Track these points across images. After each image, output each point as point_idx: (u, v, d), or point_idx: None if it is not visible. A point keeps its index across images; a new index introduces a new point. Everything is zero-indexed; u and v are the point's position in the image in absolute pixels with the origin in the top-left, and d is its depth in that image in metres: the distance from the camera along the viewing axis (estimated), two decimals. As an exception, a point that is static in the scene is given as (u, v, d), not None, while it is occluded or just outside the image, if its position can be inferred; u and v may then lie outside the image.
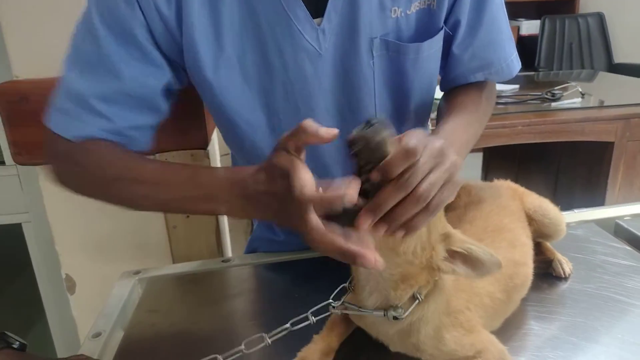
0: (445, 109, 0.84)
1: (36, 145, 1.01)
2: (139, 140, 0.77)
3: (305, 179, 0.51)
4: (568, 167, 2.35)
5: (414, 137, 0.51)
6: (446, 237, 0.58)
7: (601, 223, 1.04)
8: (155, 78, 0.75)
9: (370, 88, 0.79)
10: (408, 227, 0.53)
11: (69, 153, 0.73)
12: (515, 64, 0.87)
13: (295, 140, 0.54)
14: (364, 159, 0.51)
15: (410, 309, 0.59)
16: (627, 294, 0.79)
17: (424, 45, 0.78)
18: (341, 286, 0.66)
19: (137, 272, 0.97)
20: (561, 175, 2.41)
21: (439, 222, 0.58)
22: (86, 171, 0.73)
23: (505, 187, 0.86)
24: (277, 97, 0.78)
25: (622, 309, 0.75)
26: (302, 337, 0.68)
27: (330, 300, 0.64)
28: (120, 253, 1.11)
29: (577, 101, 2.09)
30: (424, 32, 0.79)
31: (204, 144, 1.00)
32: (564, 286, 0.83)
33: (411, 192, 0.50)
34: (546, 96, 2.13)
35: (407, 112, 0.86)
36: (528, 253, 0.76)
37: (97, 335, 0.79)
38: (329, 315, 0.65)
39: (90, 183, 0.74)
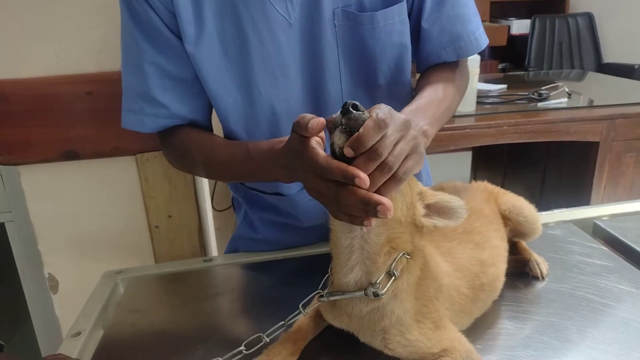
0: (419, 87, 0.86)
1: (17, 144, 1.01)
2: (202, 121, 0.88)
3: (314, 154, 0.58)
4: (554, 167, 2.37)
5: (382, 110, 0.55)
6: (421, 195, 0.63)
7: (580, 223, 1.06)
8: (184, 63, 0.81)
9: (334, 57, 0.84)
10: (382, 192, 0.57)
11: (164, 144, 0.89)
12: (482, 37, 0.90)
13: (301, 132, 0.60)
14: (341, 137, 0.56)
15: (388, 284, 0.61)
16: (600, 294, 0.80)
17: (377, 15, 0.82)
18: (326, 277, 0.68)
19: (119, 272, 0.97)
20: (548, 174, 2.43)
21: (415, 183, 0.63)
22: (178, 159, 0.89)
23: (481, 189, 0.86)
24: (255, 70, 0.81)
25: (594, 309, 0.77)
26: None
27: (319, 290, 0.67)
28: (104, 252, 1.11)
29: (563, 101, 2.10)
30: (385, 2, 0.83)
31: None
32: (539, 286, 0.84)
33: (380, 163, 0.55)
34: (533, 96, 2.15)
35: (376, 86, 0.88)
36: (499, 255, 0.77)
37: (77, 334, 0.80)
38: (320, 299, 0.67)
39: (184, 167, 0.91)
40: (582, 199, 2.08)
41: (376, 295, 0.61)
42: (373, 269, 0.62)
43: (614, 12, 3.80)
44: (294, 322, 0.70)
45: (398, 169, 0.57)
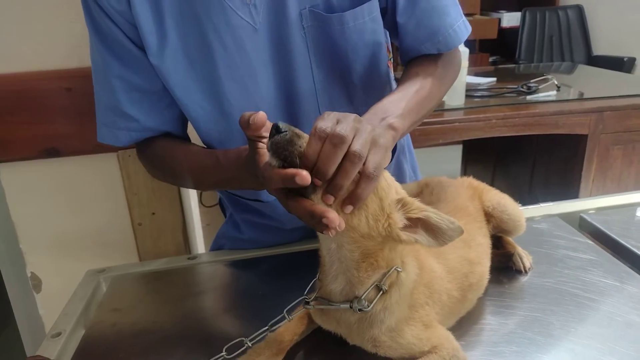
0: (400, 80, 0.84)
1: (-4, 142, 1.00)
2: (176, 132, 0.86)
3: (259, 160, 0.57)
4: (544, 160, 2.37)
5: (321, 119, 0.54)
6: (403, 204, 0.57)
7: (567, 217, 1.06)
8: (150, 75, 0.80)
9: (305, 59, 0.81)
10: (353, 198, 0.55)
11: (140, 156, 0.87)
12: (462, 29, 0.86)
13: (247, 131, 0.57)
14: (286, 159, 0.53)
15: (374, 301, 0.60)
16: (585, 288, 0.80)
17: (346, 15, 0.79)
18: (313, 280, 0.66)
19: (101, 271, 0.96)
20: (537, 167, 2.43)
21: (390, 190, 0.58)
22: (154, 170, 0.88)
23: (466, 185, 0.86)
24: (223, 79, 0.79)
25: (578, 303, 0.76)
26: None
27: (305, 297, 0.65)
28: (87, 251, 1.10)
29: (552, 94, 2.10)
30: (354, 1, 0.80)
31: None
32: (523, 280, 0.84)
33: (344, 158, 0.52)
34: (522, 89, 2.15)
35: (351, 86, 0.86)
36: (484, 252, 0.76)
37: (57, 334, 0.78)
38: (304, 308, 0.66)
39: (162, 178, 0.89)
40: (571, 192, 2.08)
41: (361, 310, 0.60)
42: (355, 281, 0.60)
43: (604, 5, 3.81)
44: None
45: (367, 163, 0.54)
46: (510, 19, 4.11)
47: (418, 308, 0.63)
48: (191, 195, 1.31)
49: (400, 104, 0.73)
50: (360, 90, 0.87)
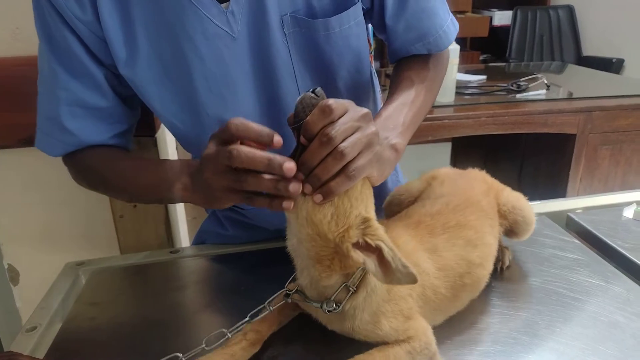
0: (392, 84, 0.83)
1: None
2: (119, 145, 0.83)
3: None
4: (532, 158, 2.38)
5: (335, 100, 0.54)
6: (364, 223, 0.56)
7: (554, 216, 1.05)
8: (101, 92, 0.77)
9: (288, 67, 0.78)
10: (326, 190, 0.55)
11: (68, 162, 0.83)
12: (451, 29, 0.85)
13: (224, 134, 0.58)
14: (298, 129, 0.56)
15: (343, 302, 0.61)
16: (570, 288, 0.79)
17: (331, 21, 0.76)
18: (295, 273, 0.66)
19: (80, 263, 0.94)
20: (525, 166, 2.44)
21: (361, 203, 0.57)
22: (84, 177, 0.83)
23: (480, 179, 0.83)
24: (200, 91, 0.75)
25: (564, 303, 0.76)
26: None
27: (286, 289, 0.66)
28: (67, 243, 1.07)
29: (542, 93, 2.10)
30: (338, 6, 0.77)
31: (150, 132, 0.97)
32: (509, 279, 0.83)
33: (332, 149, 0.54)
34: (512, 87, 2.14)
35: (336, 92, 0.84)
36: (489, 255, 0.73)
37: (33, 329, 0.76)
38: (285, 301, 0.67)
39: (89, 185, 0.84)
40: (559, 191, 2.09)
41: (330, 312, 0.61)
42: (316, 279, 0.61)
43: (595, 6, 3.83)
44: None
45: (348, 164, 0.55)
46: (501, 17, 4.12)
47: (399, 300, 0.63)
48: (175, 188, 1.28)
49: (399, 118, 0.72)
50: (345, 96, 0.84)
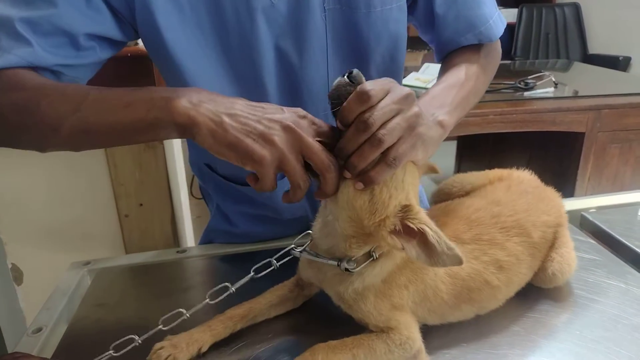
0: (441, 72, 0.81)
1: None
2: (71, 80, 0.70)
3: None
4: (539, 157, 2.35)
5: (374, 82, 0.53)
6: (404, 209, 0.56)
7: (568, 215, 1.03)
8: (93, 21, 0.69)
9: (322, 44, 0.77)
10: (366, 178, 0.54)
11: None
12: (501, 19, 0.84)
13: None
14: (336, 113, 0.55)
15: (362, 266, 0.60)
16: (588, 289, 0.77)
17: None
18: (305, 232, 0.68)
19: (86, 263, 0.92)
20: (532, 164, 2.40)
21: (401, 192, 0.56)
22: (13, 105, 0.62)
23: (553, 207, 0.76)
24: (232, 48, 0.75)
25: (583, 305, 0.74)
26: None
27: (293, 245, 0.66)
28: (72, 242, 1.06)
29: (549, 91, 2.08)
30: None
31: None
32: (525, 280, 0.81)
33: (370, 136, 0.52)
34: (519, 85, 2.12)
35: (367, 78, 0.82)
36: (514, 283, 0.69)
37: (38, 330, 0.75)
38: (293, 259, 0.68)
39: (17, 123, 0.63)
40: (567, 190, 2.07)
41: (347, 270, 0.61)
42: (341, 250, 0.61)
43: (601, 3, 3.80)
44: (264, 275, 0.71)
45: (388, 150, 0.54)
46: (507, 15, 4.08)
47: (394, 287, 0.62)
48: (181, 186, 1.27)
49: (447, 98, 0.69)
50: None
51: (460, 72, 0.76)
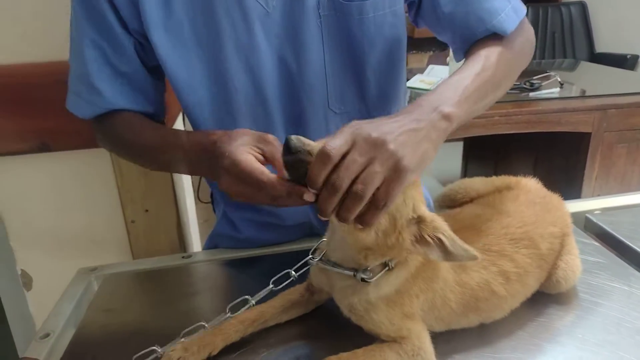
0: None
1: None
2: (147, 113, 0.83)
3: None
4: (546, 158, 2.34)
5: (334, 137, 0.52)
6: (419, 222, 0.58)
7: (572, 217, 1.03)
8: (127, 58, 0.78)
9: (319, 49, 0.78)
10: (362, 222, 0.55)
11: (96, 127, 0.84)
12: (512, 14, 0.78)
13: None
14: (296, 176, 0.55)
15: (378, 275, 0.61)
16: (591, 292, 0.77)
17: (366, 4, 0.76)
18: (320, 240, 0.68)
19: (93, 269, 0.93)
20: (539, 165, 2.41)
21: (405, 208, 0.57)
22: (106, 140, 0.85)
23: (560, 217, 0.76)
24: (229, 59, 0.76)
25: (586, 308, 0.74)
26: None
27: (310, 256, 0.67)
28: (79, 248, 1.07)
29: (555, 91, 2.07)
30: None
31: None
32: (529, 283, 0.81)
33: (348, 190, 0.52)
34: (525, 86, 2.12)
35: (366, 83, 0.83)
36: (521, 294, 0.70)
37: (46, 335, 0.76)
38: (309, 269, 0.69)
39: (114, 148, 0.86)
40: (574, 191, 2.06)
41: (364, 280, 0.61)
42: (356, 259, 0.61)
43: (607, 2, 3.77)
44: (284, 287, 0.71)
45: (375, 197, 0.53)
46: (512, 15, 4.07)
47: (405, 296, 0.62)
48: (187, 192, 1.28)
49: (458, 89, 0.65)
50: (373, 86, 0.84)
51: (477, 62, 0.71)
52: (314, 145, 0.54)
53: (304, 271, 0.71)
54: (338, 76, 0.81)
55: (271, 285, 0.68)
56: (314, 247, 0.67)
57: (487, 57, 0.72)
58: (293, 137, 0.53)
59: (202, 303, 0.83)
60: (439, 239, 0.56)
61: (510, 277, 0.66)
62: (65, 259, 1.07)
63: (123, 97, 0.79)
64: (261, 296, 0.66)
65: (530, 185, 0.79)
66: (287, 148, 0.53)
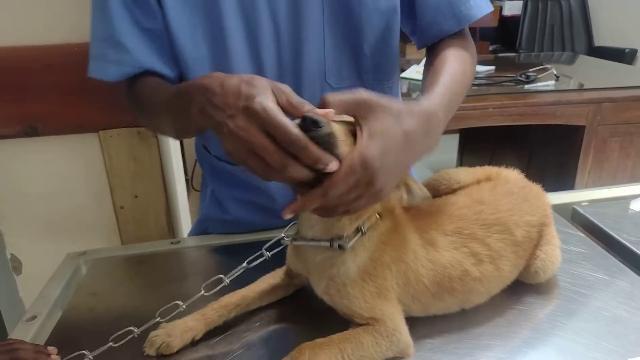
0: (429, 69, 0.81)
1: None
2: (170, 75, 0.81)
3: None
4: (540, 150, 2.35)
5: (362, 152, 0.52)
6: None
7: (559, 208, 1.03)
8: (152, 13, 0.77)
9: (319, 21, 0.79)
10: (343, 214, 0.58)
11: (128, 96, 0.83)
12: (481, 3, 0.84)
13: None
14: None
15: (354, 239, 0.63)
16: (574, 282, 0.78)
17: None
18: (292, 223, 0.69)
19: (82, 253, 0.94)
20: (534, 158, 2.41)
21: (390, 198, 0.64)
22: (135, 108, 0.82)
23: (540, 207, 0.76)
24: (229, 21, 0.76)
25: (567, 297, 0.75)
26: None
27: (283, 235, 0.68)
28: (69, 233, 1.08)
29: (550, 84, 2.07)
30: None
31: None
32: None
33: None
34: (520, 78, 2.11)
35: (361, 55, 0.84)
36: (496, 278, 0.70)
37: (32, 318, 0.77)
38: (284, 250, 0.70)
39: (142, 117, 0.83)
40: (567, 183, 2.06)
41: (341, 247, 0.62)
42: (335, 228, 0.63)
43: (607, -5, 3.76)
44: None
45: (358, 206, 0.57)
46: (511, 7, 4.05)
47: (378, 267, 0.64)
48: (177, 179, 1.28)
49: (439, 101, 0.68)
50: (370, 61, 0.85)
51: (450, 70, 0.75)
52: (334, 125, 0.53)
53: (279, 251, 0.71)
54: (336, 49, 0.82)
55: (245, 264, 0.68)
56: (286, 228, 0.68)
57: (460, 62, 0.78)
58: (312, 114, 0.51)
59: (188, 288, 0.84)
60: (406, 184, 0.64)
61: (482, 259, 0.68)
62: (55, 244, 1.07)
63: (149, 54, 0.79)
64: (235, 275, 0.67)
65: (510, 176, 0.79)
66: (314, 122, 0.51)
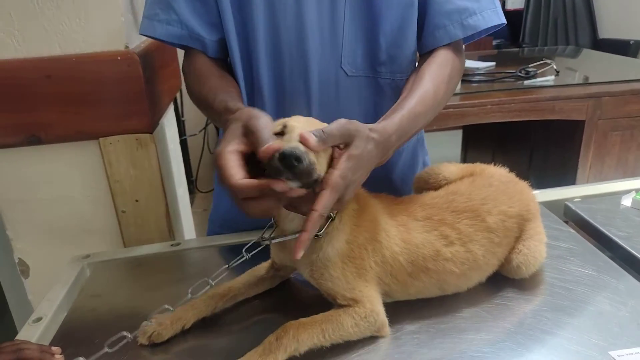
0: (405, 85, 0.84)
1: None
2: (214, 42, 0.88)
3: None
4: (541, 146, 2.35)
5: (338, 179, 0.59)
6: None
7: (553, 205, 1.05)
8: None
9: (341, 5, 0.83)
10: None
11: (184, 72, 0.90)
12: (494, 15, 0.86)
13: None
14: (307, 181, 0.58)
15: (326, 225, 0.67)
16: (561, 277, 0.80)
17: None
18: (269, 224, 0.72)
19: (86, 257, 0.97)
20: (535, 153, 2.41)
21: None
22: (189, 85, 0.89)
23: (523, 202, 0.78)
24: (255, 10, 0.82)
25: (553, 292, 0.76)
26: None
27: (262, 236, 0.70)
28: (73, 237, 1.11)
29: (550, 79, 2.07)
30: None
31: (148, 128, 1.00)
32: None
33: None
34: (520, 74, 2.12)
35: (376, 46, 0.86)
36: (469, 260, 0.72)
37: (38, 320, 0.80)
38: (263, 249, 0.71)
39: (194, 98, 0.89)
40: (568, 178, 2.07)
41: (317, 235, 0.66)
42: None
43: (611, -14, 3.73)
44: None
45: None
46: (514, 0, 4.04)
47: (355, 248, 0.68)
48: (177, 183, 1.31)
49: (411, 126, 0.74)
50: (384, 54, 0.87)
51: (422, 91, 0.79)
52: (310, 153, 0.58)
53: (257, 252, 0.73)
54: (353, 36, 0.85)
55: (226, 265, 0.71)
56: (263, 230, 0.71)
57: (437, 85, 0.81)
58: (291, 148, 0.55)
59: (184, 290, 0.86)
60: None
61: (452, 241, 0.72)
62: (60, 248, 1.11)
63: (194, 19, 0.85)
64: (219, 278, 0.70)
65: (494, 172, 0.82)
66: (297, 159, 0.54)
